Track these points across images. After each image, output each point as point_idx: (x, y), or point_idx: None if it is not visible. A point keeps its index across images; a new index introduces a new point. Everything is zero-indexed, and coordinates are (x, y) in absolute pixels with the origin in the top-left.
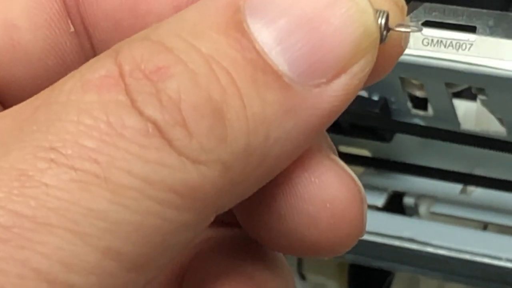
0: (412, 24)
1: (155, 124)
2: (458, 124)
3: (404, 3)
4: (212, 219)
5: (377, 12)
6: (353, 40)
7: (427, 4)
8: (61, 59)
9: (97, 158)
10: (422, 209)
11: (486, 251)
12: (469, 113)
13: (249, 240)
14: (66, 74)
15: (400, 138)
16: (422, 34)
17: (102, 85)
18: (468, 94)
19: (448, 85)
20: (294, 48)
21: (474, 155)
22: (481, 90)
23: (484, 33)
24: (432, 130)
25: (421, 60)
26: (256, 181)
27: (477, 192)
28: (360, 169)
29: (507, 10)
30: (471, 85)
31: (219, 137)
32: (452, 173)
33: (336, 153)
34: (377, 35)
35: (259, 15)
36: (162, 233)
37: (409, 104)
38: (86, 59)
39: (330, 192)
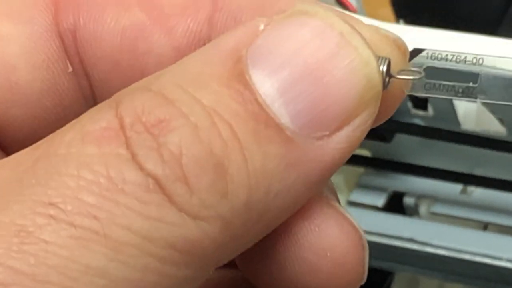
0: (414, 69)
1: (156, 179)
2: (458, 124)
3: (406, 46)
4: (211, 272)
5: (379, 59)
6: (356, 92)
7: (429, 49)
8: (59, 99)
9: (97, 215)
10: (422, 209)
11: (486, 251)
12: (469, 113)
13: (249, 284)
14: (64, 114)
15: (400, 138)
16: (424, 79)
17: (103, 138)
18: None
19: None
20: (297, 100)
21: (474, 155)
22: (481, 90)
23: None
24: (432, 130)
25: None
26: (256, 234)
27: (477, 192)
28: (360, 169)
29: (507, 10)
30: (471, 85)
31: (220, 193)
32: (452, 173)
33: (337, 197)
34: (380, 87)
35: (261, 65)
36: None
37: (409, 104)
38: (84, 99)
39: (330, 240)
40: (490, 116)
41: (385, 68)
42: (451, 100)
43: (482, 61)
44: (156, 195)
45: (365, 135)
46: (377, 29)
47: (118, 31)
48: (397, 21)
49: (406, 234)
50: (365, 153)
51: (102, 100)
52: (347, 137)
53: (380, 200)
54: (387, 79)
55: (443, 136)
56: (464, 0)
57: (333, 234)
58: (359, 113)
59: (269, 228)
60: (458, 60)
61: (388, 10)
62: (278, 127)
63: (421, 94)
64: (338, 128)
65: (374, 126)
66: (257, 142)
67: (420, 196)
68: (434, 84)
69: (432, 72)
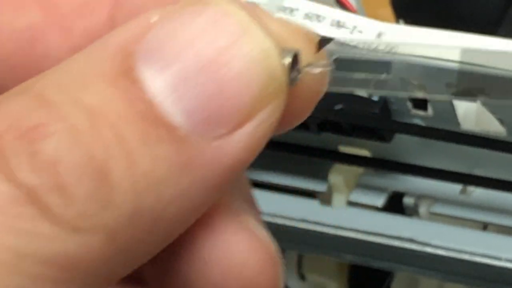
0: (323, 63)
1: (29, 189)
2: (458, 124)
3: (317, 36)
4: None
5: (285, 51)
6: (256, 85)
7: (337, 40)
8: None
9: None
10: (422, 209)
11: (486, 252)
12: (469, 113)
13: None
14: None
15: (400, 138)
16: (333, 71)
17: None
18: (467, 94)
19: (448, 85)
20: (190, 96)
21: (474, 155)
22: (481, 90)
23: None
24: (432, 130)
25: (421, 60)
26: (151, 246)
27: (477, 193)
28: (360, 169)
29: (507, 10)
30: (471, 85)
31: (102, 201)
32: (452, 174)
33: (254, 207)
34: (283, 79)
35: (152, 61)
36: None
37: (409, 104)
38: None
39: (238, 258)
40: (490, 116)
41: (289, 61)
42: (450, 100)
43: (396, 50)
44: (29, 207)
45: (271, 133)
46: (287, 22)
47: (13, 33)
48: (397, 21)
49: (405, 234)
50: (365, 153)
51: None
52: (249, 135)
53: (379, 200)
54: (295, 74)
55: (443, 136)
56: (464, 0)
57: (240, 251)
58: (261, 108)
59: (166, 239)
60: (369, 48)
61: (388, 10)
62: (169, 127)
63: (334, 88)
64: (238, 126)
65: (289, 128)
66: (146, 144)
67: (420, 196)
68: (345, 77)
69: (347, 64)
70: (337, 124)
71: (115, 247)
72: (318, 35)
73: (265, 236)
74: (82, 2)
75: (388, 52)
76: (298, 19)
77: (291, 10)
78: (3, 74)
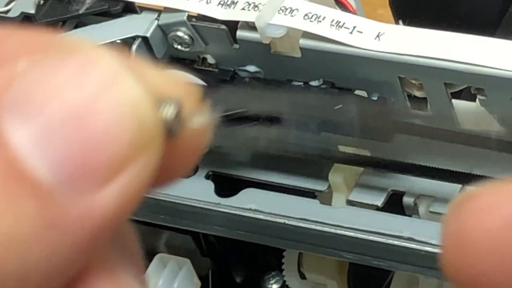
0: (206, 115)
1: None
2: (457, 124)
3: (196, 88)
4: None
5: (163, 102)
6: (126, 136)
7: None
8: None
9: None
10: (422, 208)
11: None
12: (469, 113)
13: None
14: None
15: (400, 138)
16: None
17: None
18: (467, 94)
19: (447, 85)
20: (55, 149)
21: (473, 155)
22: (480, 90)
23: None
24: (432, 130)
25: (421, 60)
26: None
27: None
28: (360, 169)
29: (507, 10)
30: (471, 85)
31: None
32: (451, 173)
33: (137, 265)
34: (157, 129)
35: (16, 112)
36: None
37: (409, 104)
38: None
39: None
40: (489, 116)
41: (170, 113)
42: (450, 100)
43: None
44: None
45: (144, 186)
46: (167, 73)
47: None
48: (397, 22)
49: (405, 234)
50: (365, 153)
51: None
52: (120, 190)
53: (379, 199)
54: (176, 125)
55: (442, 136)
56: (464, 0)
57: None
58: (133, 160)
59: None
60: None
61: (387, 11)
62: (33, 182)
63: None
64: (108, 180)
65: (176, 179)
66: (7, 201)
67: (420, 196)
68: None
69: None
70: (337, 124)
71: None
72: (200, 86)
73: None
74: None
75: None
76: (298, 19)
77: (291, 10)
78: None
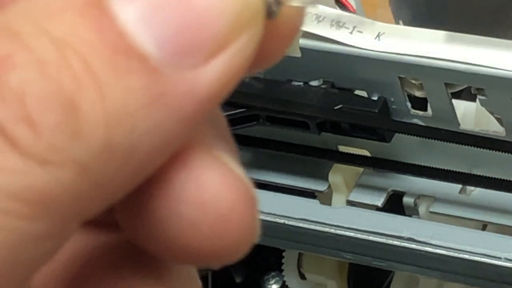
0: None
1: None
2: (458, 124)
3: None
4: (75, 226)
5: None
6: (230, 12)
7: None
8: None
9: None
10: (422, 209)
11: (485, 251)
12: (469, 113)
13: (135, 248)
14: None
15: (400, 138)
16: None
17: None
18: (467, 94)
19: (447, 85)
20: (163, 26)
21: (473, 155)
22: (481, 90)
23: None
24: (432, 130)
25: (421, 60)
26: (124, 181)
27: (476, 192)
28: (360, 169)
29: (507, 10)
30: (471, 85)
31: (72, 134)
32: (451, 173)
33: (229, 143)
34: (259, 6)
35: None
36: (9, 247)
37: (409, 104)
38: None
39: (211, 193)
40: (489, 116)
41: None
42: (450, 100)
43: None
44: None
45: (246, 64)
46: None
47: None
48: (397, 22)
49: (405, 234)
50: (365, 153)
51: None
52: (224, 65)
53: (379, 199)
54: (274, 6)
55: (442, 136)
56: (464, 0)
57: (214, 186)
58: (236, 38)
59: (140, 173)
60: None
61: (387, 11)
62: (141, 57)
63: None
64: (213, 55)
65: (265, 66)
66: (116, 75)
67: (420, 196)
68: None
69: None
70: (337, 124)
71: (86, 181)
72: None
73: (240, 172)
74: None
75: None
76: None
77: None
78: None
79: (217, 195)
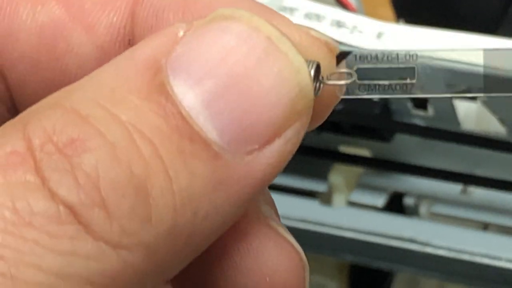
0: (345, 71)
1: (69, 207)
2: (458, 124)
3: (337, 46)
4: None
5: (308, 62)
6: (287, 102)
7: (357, 51)
8: None
9: (2, 254)
10: (422, 209)
11: (486, 252)
12: (470, 113)
13: None
14: None
15: (400, 138)
16: (357, 81)
17: (8, 164)
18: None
19: (448, 85)
20: (224, 113)
21: (474, 156)
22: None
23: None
24: (432, 130)
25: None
26: (184, 259)
27: (477, 193)
28: (360, 169)
29: (507, 10)
30: (471, 85)
31: (142, 218)
32: (452, 174)
33: (277, 213)
34: (311, 95)
35: (183, 76)
36: None
37: (409, 104)
38: (1, 103)
39: (269, 264)
40: (490, 116)
41: (313, 73)
42: (451, 100)
43: (416, 58)
44: (69, 226)
45: (296, 148)
46: (308, 30)
47: (35, 28)
48: (397, 21)
49: (406, 234)
50: (365, 153)
51: (21, 104)
52: (279, 150)
53: (380, 200)
54: (317, 85)
55: (443, 136)
56: (464, 0)
57: (272, 257)
58: (291, 124)
59: (197, 252)
60: (389, 58)
61: (388, 10)
62: (204, 143)
63: (355, 96)
64: (269, 141)
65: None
66: (182, 160)
67: (420, 196)
68: (369, 85)
69: (365, 71)
70: (337, 124)
71: (153, 262)
72: (337, 43)
73: (293, 240)
74: None
75: (408, 60)
76: (298, 18)
77: (291, 10)
78: (25, 70)
79: (275, 266)
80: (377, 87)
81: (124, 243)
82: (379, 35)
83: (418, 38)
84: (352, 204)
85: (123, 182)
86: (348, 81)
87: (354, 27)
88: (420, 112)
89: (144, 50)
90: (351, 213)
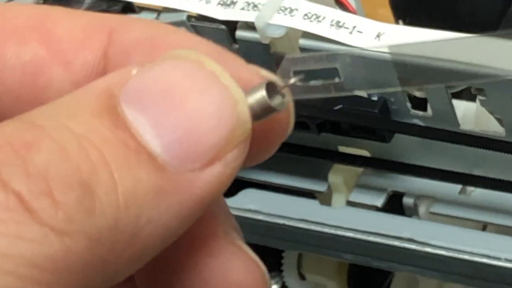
0: (291, 80)
1: (18, 195)
2: (458, 124)
3: (274, 76)
4: None
5: (248, 93)
6: (227, 128)
7: (289, 56)
8: None
9: None
10: (422, 209)
11: (485, 251)
12: (469, 114)
13: None
14: None
15: (400, 139)
16: (297, 83)
17: None
18: (467, 95)
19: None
20: (168, 133)
21: (473, 156)
22: (481, 91)
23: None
24: (432, 131)
25: (421, 61)
26: (129, 262)
27: (477, 193)
28: (359, 169)
29: (507, 10)
30: (471, 85)
31: (87, 209)
32: (451, 174)
33: (241, 234)
34: (250, 125)
35: (133, 102)
36: None
37: (409, 105)
38: None
39: (236, 278)
40: (489, 116)
41: (265, 93)
42: (450, 100)
43: (336, 58)
44: (17, 212)
45: (236, 172)
46: (258, 70)
47: (19, 66)
48: (397, 22)
49: (405, 234)
50: (365, 153)
51: None
52: (219, 172)
53: (379, 200)
54: (279, 99)
55: (442, 137)
56: (464, 0)
57: (238, 271)
58: (230, 150)
59: (142, 257)
60: (316, 60)
61: (387, 11)
62: (150, 155)
63: (299, 97)
64: (209, 163)
65: (255, 163)
66: (128, 166)
67: (419, 196)
68: (305, 87)
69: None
70: (337, 124)
71: (96, 254)
72: (275, 76)
73: (256, 258)
74: (83, 38)
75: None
76: (297, 19)
77: (291, 10)
78: (9, 103)
79: (241, 279)
80: (314, 89)
81: (68, 230)
82: (379, 36)
83: (418, 39)
84: (351, 204)
85: (71, 177)
86: (288, 84)
87: (354, 28)
88: (419, 112)
89: (101, 82)
90: (351, 213)
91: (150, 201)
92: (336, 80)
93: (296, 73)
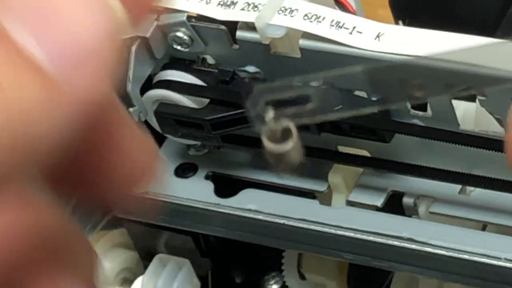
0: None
1: None
2: (457, 124)
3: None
4: None
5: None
6: (106, 33)
7: (260, 85)
8: None
9: None
10: (421, 209)
11: (485, 251)
12: (468, 114)
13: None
14: None
15: (400, 139)
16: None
17: None
18: (467, 95)
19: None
20: (50, 42)
21: (473, 156)
22: (481, 91)
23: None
24: (431, 131)
25: (421, 61)
26: (31, 153)
27: (476, 192)
28: (359, 169)
29: (506, 10)
30: (471, 85)
31: None
32: (451, 173)
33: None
34: (127, 29)
35: (19, 16)
36: None
37: (408, 105)
38: None
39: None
40: (489, 116)
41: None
42: (450, 100)
43: (309, 86)
44: None
45: (112, 73)
46: None
47: None
48: (396, 22)
49: (405, 234)
50: (365, 153)
51: None
52: (97, 68)
53: (379, 200)
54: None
55: (442, 137)
56: (464, 1)
57: (135, 148)
58: (104, 49)
59: (43, 149)
60: (288, 88)
61: (387, 11)
62: (36, 65)
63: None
64: (87, 62)
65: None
66: (15, 75)
67: (419, 196)
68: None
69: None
70: (337, 124)
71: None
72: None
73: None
74: None
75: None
76: (297, 19)
77: (291, 11)
78: None
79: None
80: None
81: None
82: (379, 36)
83: (417, 39)
84: (351, 204)
85: None
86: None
87: (354, 28)
88: (419, 112)
89: None
90: (351, 213)
91: (39, 105)
92: (309, 106)
93: (267, 103)
